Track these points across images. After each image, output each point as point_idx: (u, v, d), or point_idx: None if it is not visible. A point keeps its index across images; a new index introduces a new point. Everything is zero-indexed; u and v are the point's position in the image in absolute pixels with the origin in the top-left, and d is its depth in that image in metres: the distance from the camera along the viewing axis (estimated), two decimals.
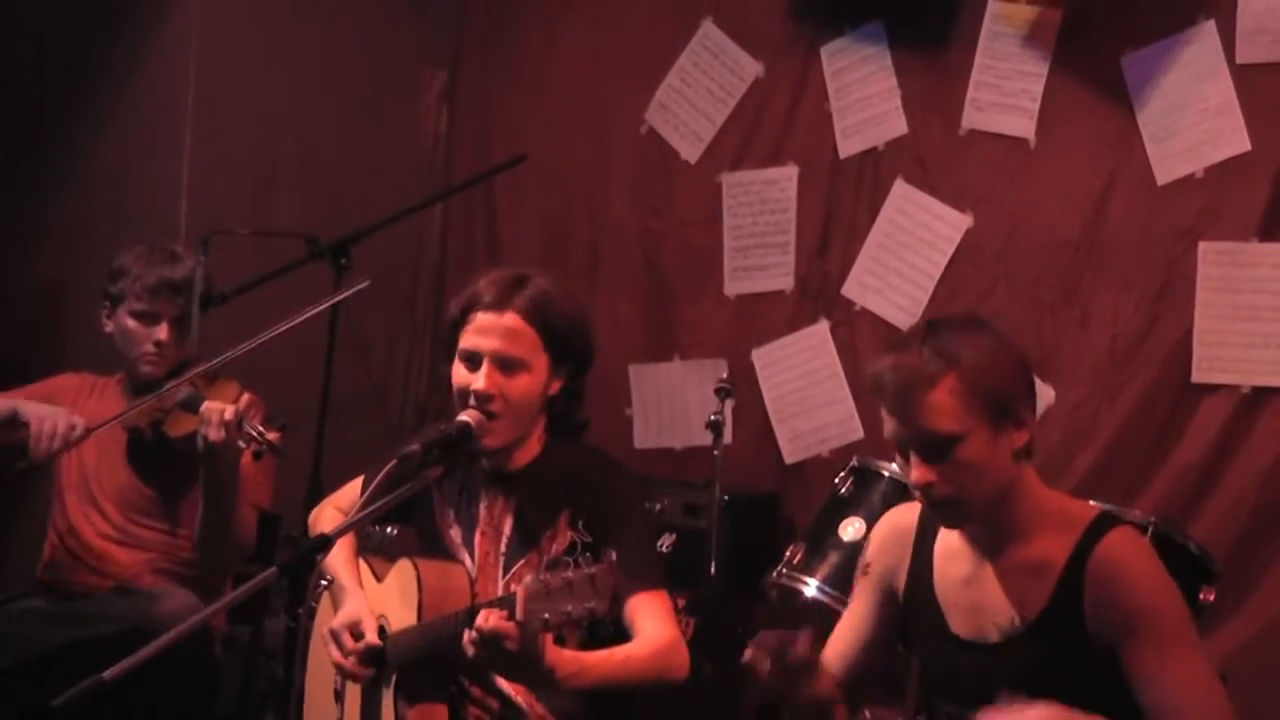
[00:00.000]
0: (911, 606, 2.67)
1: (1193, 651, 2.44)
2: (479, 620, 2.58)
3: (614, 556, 2.47)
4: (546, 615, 2.44)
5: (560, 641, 2.72)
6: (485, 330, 2.94)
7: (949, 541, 2.64)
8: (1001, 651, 2.51)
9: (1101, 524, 2.50)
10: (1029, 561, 2.51)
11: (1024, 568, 2.51)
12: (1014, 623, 2.50)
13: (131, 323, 3.78)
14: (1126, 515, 3.43)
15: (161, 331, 3.77)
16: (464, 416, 2.92)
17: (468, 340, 2.96)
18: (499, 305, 2.94)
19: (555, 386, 3.01)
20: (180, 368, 3.81)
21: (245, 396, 3.62)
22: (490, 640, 2.55)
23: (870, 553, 2.77)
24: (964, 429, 2.43)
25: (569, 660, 2.71)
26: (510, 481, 3.04)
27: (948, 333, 2.49)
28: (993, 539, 2.54)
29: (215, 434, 3.48)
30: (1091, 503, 3.18)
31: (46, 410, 3.61)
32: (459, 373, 2.97)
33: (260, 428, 3.46)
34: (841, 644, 2.77)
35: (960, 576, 2.60)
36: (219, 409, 3.49)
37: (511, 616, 2.52)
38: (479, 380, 2.92)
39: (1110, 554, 2.45)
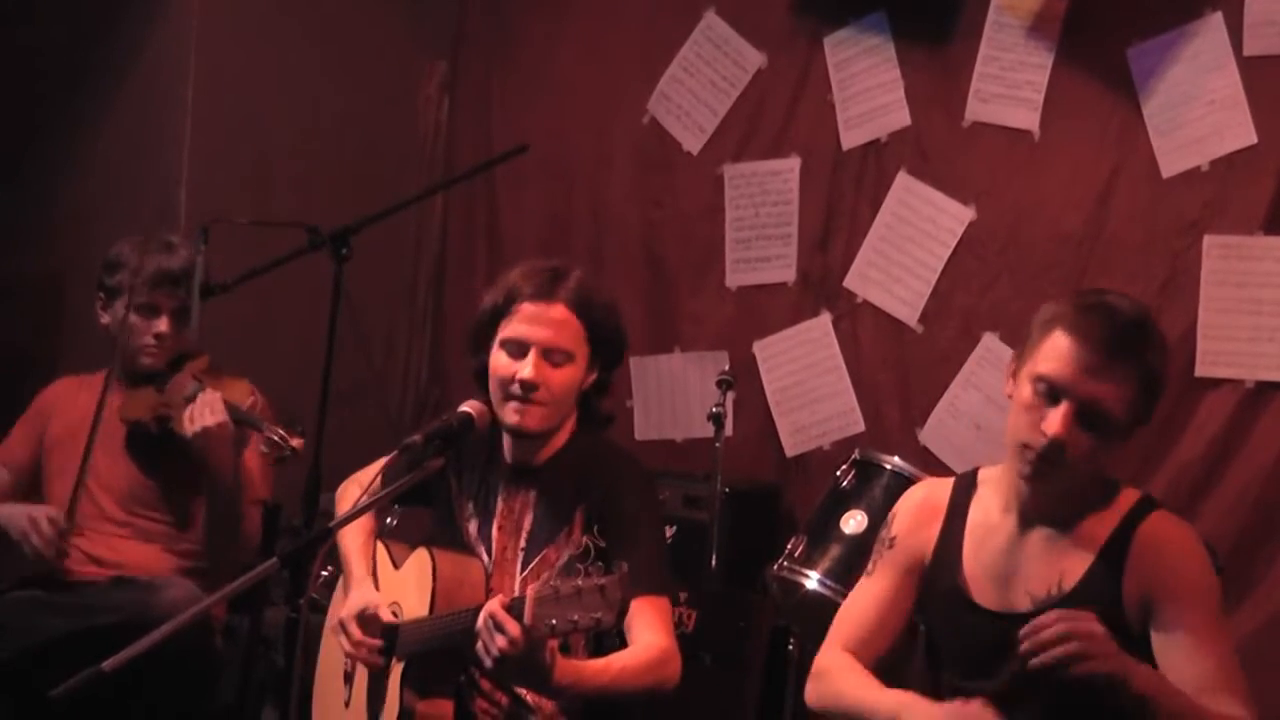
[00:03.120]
0: (935, 575, 2.66)
1: (1224, 636, 2.47)
2: (492, 605, 2.58)
3: (625, 569, 2.46)
4: (554, 621, 2.45)
5: (566, 650, 2.71)
6: (534, 320, 2.92)
7: (984, 515, 2.63)
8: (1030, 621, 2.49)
9: (1146, 504, 2.55)
10: (1072, 534, 2.52)
11: (1066, 539, 2.52)
12: (1050, 592, 2.50)
13: (131, 316, 3.76)
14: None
15: (162, 324, 3.76)
16: (465, 407, 2.90)
17: (514, 329, 2.94)
18: (547, 295, 2.93)
19: (590, 380, 3.01)
20: (179, 358, 3.80)
21: (257, 399, 3.62)
22: (489, 633, 2.55)
23: (896, 526, 2.74)
24: (1126, 422, 2.46)
25: (569, 670, 2.70)
26: (530, 476, 3.03)
27: (1160, 334, 2.51)
28: (1049, 510, 2.54)
29: (187, 427, 3.51)
30: None
31: (21, 520, 3.64)
32: (500, 361, 2.95)
33: (282, 433, 3.45)
34: (859, 626, 2.72)
35: (996, 547, 2.59)
36: (202, 408, 3.50)
37: (520, 620, 2.51)
38: (526, 369, 2.91)
39: (1160, 527, 2.50)
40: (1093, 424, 2.43)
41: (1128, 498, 2.55)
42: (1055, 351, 2.45)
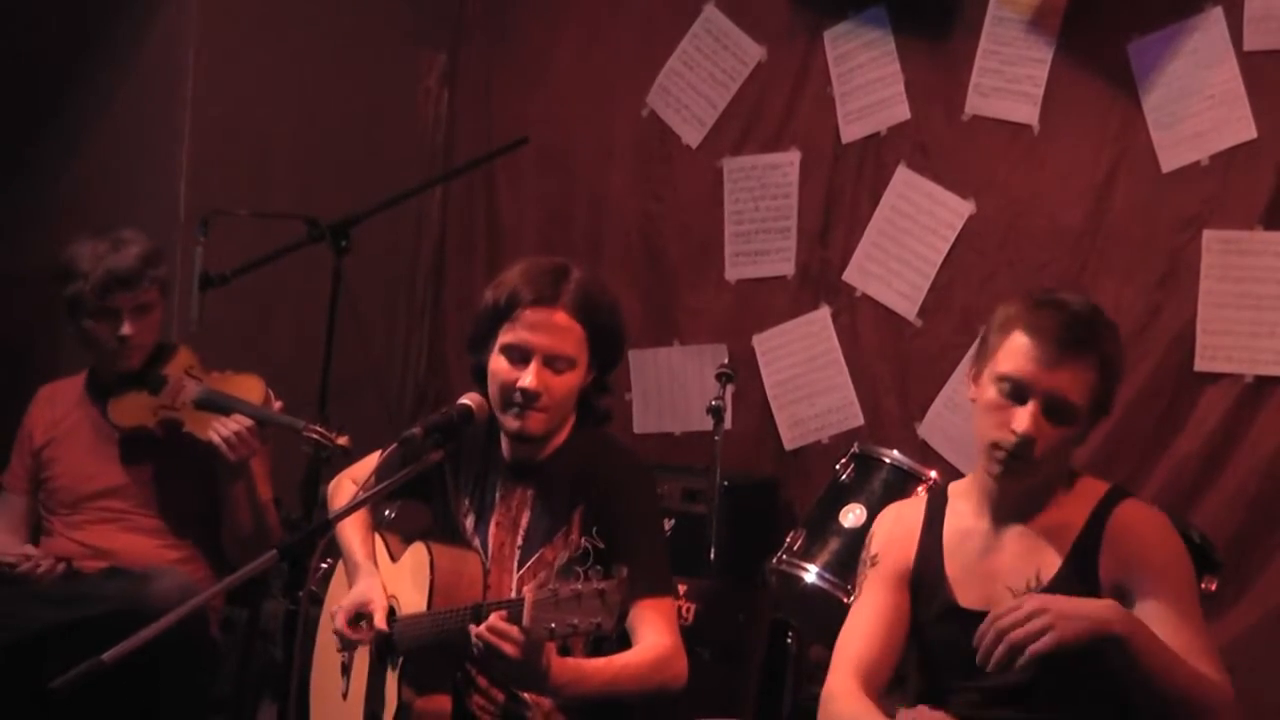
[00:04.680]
0: (919, 587, 2.69)
1: (1197, 613, 2.51)
2: (486, 622, 2.58)
3: (625, 573, 2.46)
4: (552, 625, 2.44)
5: (565, 651, 2.71)
6: (536, 327, 2.88)
7: (960, 522, 2.68)
8: None
9: (1117, 493, 2.60)
10: (1046, 526, 2.58)
11: (1041, 532, 2.57)
12: (1029, 585, 2.55)
13: (91, 324, 3.70)
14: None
15: (125, 327, 3.67)
16: (465, 400, 2.90)
17: (516, 335, 2.89)
18: (549, 301, 2.88)
19: (589, 379, 2.98)
20: (160, 352, 3.77)
21: (270, 394, 3.61)
22: (494, 644, 2.56)
23: (876, 544, 2.77)
24: (1089, 410, 2.53)
25: (569, 668, 2.70)
26: (529, 474, 3.01)
27: (1111, 323, 2.60)
28: (1018, 504, 2.59)
29: (230, 454, 3.51)
30: None
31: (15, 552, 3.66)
32: (501, 366, 2.91)
33: (321, 430, 3.41)
34: (864, 645, 2.69)
35: (974, 552, 2.63)
36: (229, 433, 3.50)
37: (518, 622, 2.52)
38: (527, 378, 2.87)
39: (1132, 515, 2.55)
40: (1058, 416, 2.50)
41: (1095, 488, 2.61)
42: (1015, 350, 2.52)
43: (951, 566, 2.65)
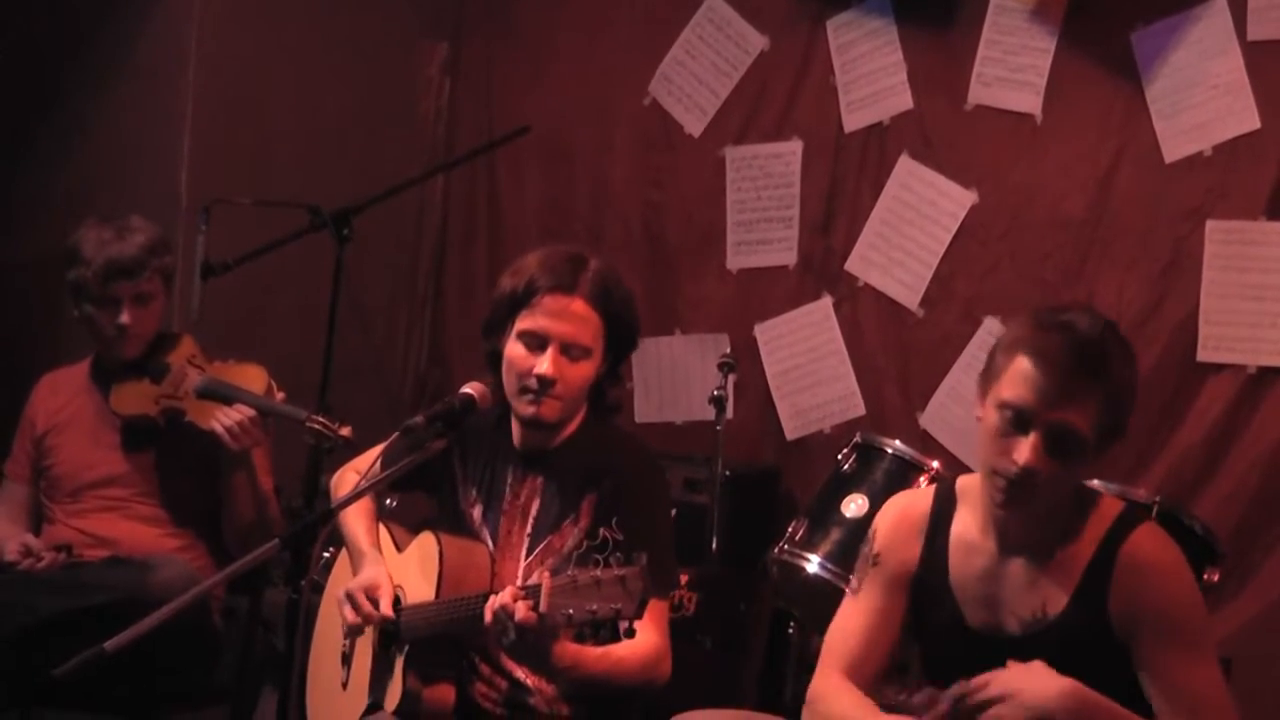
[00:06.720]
0: (923, 597, 2.63)
1: (1210, 657, 2.45)
2: (503, 598, 2.58)
3: (644, 559, 2.45)
4: (570, 611, 2.44)
5: (581, 639, 2.71)
6: (554, 314, 2.88)
7: (965, 533, 2.60)
8: (1023, 645, 2.49)
9: (1128, 518, 2.50)
10: (1053, 559, 2.49)
11: (1048, 565, 2.49)
12: (1036, 615, 2.49)
13: (92, 310, 3.68)
14: (1133, 495, 3.43)
15: (124, 316, 3.65)
16: (467, 389, 2.90)
17: (535, 321, 2.89)
18: (568, 289, 2.89)
19: (603, 368, 2.99)
20: (160, 340, 3.76)
21: (273, 383, 3.59)
22: (510, 625, 2.56)
23: (879, 543, 2.70)
24: (1096, 440, 2.41)
25: (568, 653, 2.70)
26: (539, 462, 3.01)
27: (1124, 345, 2.47)
28: (1026, 530, 2.51)
29: (233, 444, 3.50)
30: (1101, 484, 3.16)
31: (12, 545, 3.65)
32: (518, 353, 2.91)
33: (323, 420, 3.40)
34: (855, 645, 2.66)
35: (978, 569, 2.57)
36: (232, 423, 3.49)
37: (535, 607, 2.51)
38: (544, 364, 2.88)
39: (1141, 548, 2.45)
40: (1062, 449, 2.40)
41: (1108, 512, 2.52)
42: (1019, 377, 2.41)
43: (957, 581, 2.59)
